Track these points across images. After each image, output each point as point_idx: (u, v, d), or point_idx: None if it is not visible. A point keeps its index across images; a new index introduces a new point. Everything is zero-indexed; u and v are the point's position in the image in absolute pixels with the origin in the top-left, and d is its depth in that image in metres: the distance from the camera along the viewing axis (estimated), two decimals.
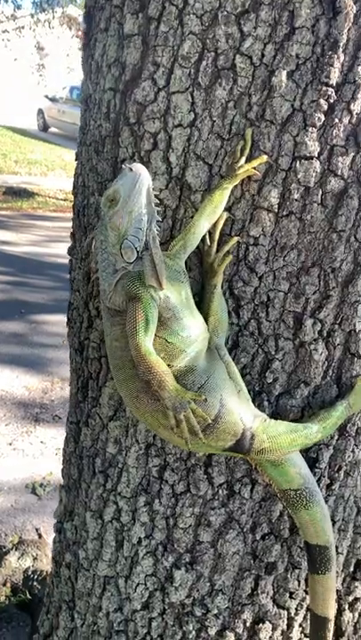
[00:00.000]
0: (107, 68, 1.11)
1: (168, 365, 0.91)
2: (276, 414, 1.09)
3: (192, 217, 1.00)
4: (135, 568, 1.22)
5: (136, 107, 1.05)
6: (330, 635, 1.13)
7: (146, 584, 1.22)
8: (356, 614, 1.29)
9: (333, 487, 1.17)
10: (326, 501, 1.16)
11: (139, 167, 0.92)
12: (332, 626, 1.13)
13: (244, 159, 0.99)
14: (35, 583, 2.45)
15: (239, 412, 0.97)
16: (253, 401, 1.07)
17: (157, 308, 0.91)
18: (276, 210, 1.01)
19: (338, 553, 1.22)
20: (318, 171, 0.99)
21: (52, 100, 16.12)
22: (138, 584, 1.23)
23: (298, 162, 0.99)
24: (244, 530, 1.15)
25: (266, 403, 1.08)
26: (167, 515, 1.17)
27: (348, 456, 1.15)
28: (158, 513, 1.17)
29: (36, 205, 9.81)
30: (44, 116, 16.84)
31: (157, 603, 1.22)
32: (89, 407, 1.25)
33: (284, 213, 1.01)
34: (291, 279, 1.04)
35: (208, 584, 1.18)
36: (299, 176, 0.99)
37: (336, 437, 1.14)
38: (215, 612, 1.19)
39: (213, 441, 0.97)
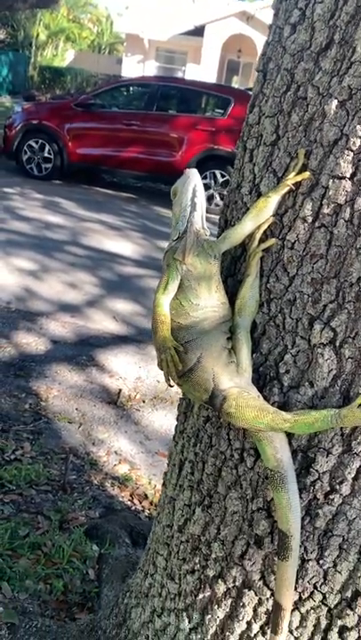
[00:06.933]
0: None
1: (172, 320, 1.19)
2: (285, 404, 1.21)
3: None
4: (183, 494, 1.51)
5: (248, 127, 1.32)
6: (282, 624, 1.20)
7: (182, 511, 1.49)
8: None
9: (332, 497, 1.19)
10: (320, 507, 1.20)
11: (191, 171, 1.21)
12: (286, 616, 1.20)
13: (293, 174, 1.15)
14: None
15: (214, 373, 1.16)
16: (265, 385, 1.23)
17: (179, 276, 1.19)
18: (310, 220, 1.13)
19: (336, 572, 1.23)
20: (349, 190, 1.07)
21: None
22: (180, 507, 1.51)
23: (331, 180, 1.09)
24: (246, 496, 1.30)
25: (276, 390, 1.22)
26: (203, 459, 1.41)
27: (352, 474, 1.17)
28: (198, 455, 1.43)
29: None
30: None
31: (190, 527, 1.48)
32: None
33: (317, 225, 1.13)
34: (315, 285, 1.15)
35: (215, 530, 1.38)
36: (330, 193, 1.10)
37: (341, 450, 1.17)
38: (214, 556, 1.38)
39: (192, 389, 1.19)
